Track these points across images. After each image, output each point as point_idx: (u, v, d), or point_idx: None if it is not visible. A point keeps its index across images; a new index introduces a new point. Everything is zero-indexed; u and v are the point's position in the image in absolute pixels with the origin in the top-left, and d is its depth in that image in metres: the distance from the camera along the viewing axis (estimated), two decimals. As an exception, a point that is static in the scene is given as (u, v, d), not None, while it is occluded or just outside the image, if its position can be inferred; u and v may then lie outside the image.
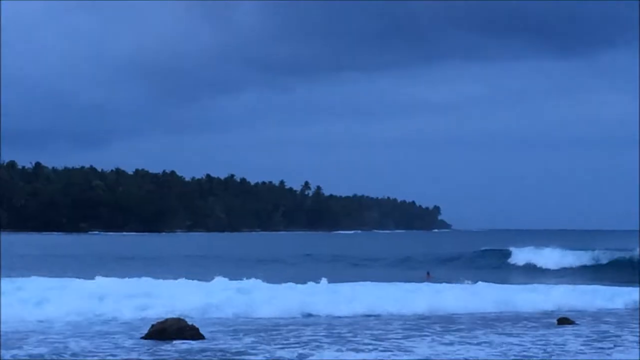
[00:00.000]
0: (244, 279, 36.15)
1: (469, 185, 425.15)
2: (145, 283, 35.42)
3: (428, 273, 60.43)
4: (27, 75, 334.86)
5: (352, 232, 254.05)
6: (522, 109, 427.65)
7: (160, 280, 36.31)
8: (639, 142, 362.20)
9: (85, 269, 50.33)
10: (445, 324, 26.99)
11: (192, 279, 36.81)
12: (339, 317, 29.18)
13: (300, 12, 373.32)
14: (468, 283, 40.25)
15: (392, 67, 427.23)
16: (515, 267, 63.02)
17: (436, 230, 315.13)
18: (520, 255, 65.06)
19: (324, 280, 36.92)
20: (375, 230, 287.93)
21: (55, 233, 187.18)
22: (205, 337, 22.65)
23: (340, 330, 24.92)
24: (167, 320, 23.06)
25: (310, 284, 36.57)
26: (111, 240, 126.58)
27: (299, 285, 36.04)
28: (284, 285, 35.98)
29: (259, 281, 35.98)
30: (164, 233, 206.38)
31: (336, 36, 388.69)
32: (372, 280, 40.38)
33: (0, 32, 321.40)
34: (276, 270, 58.15)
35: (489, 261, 66.78)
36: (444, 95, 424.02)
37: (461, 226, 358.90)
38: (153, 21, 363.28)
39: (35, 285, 33.09)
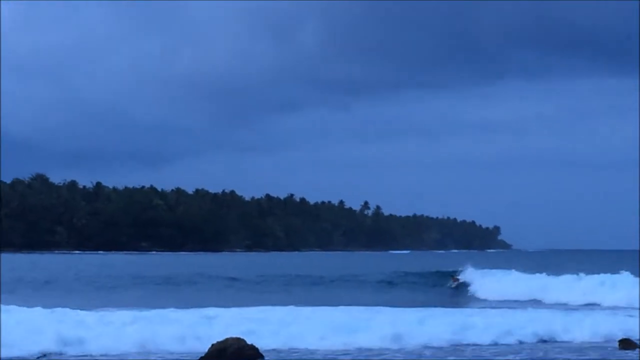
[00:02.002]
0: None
1: (529, 204, 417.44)
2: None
3: (452, 276, 56.02)
4: (88, 96, 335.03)
5: (407, 251, 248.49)
6: (583, 127, 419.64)
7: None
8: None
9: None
10: None
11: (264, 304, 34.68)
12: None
13: (361, 31, 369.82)
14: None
15: (452, 86, 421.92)
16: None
17: (493, 250, 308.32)
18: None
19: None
20: (435, 251, 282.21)
21: (117, 252, 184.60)
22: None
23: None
24: (227, 339, 22.08)
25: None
26: (176, 260, 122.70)
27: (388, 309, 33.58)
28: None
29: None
30: (223, 252, 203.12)
31: (396, 55, 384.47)
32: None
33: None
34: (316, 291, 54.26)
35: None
36: (504, 114, 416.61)
37: (521, 246, 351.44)
38: (214, 41, 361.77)
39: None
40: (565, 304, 44.63)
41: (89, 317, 29.73)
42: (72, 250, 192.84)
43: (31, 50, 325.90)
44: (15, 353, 22.80)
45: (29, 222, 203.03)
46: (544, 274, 55.15)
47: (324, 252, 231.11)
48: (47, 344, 23.69)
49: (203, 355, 21.90)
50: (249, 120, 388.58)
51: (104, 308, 34.93)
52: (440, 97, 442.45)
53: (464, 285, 54.79)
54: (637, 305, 40.21)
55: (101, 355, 23.29)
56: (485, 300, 49.61)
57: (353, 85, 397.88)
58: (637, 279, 48.10)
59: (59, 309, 31.88)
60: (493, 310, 37.57)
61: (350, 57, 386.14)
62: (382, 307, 36.36)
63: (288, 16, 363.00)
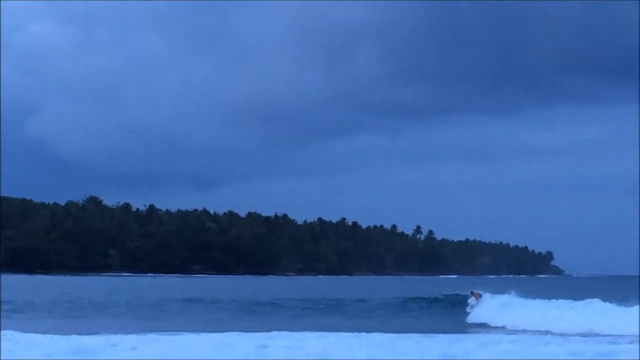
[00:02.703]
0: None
1: (583, 230, 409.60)
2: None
3: (472, 292, 52.73)
4: (142, 119, 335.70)
5: (454, 276, 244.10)
6: (637, 152, 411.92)
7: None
8: None
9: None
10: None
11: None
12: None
13: (414, 55, 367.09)
14: None
15: (505, 111, 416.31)
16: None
17: (544, 275, 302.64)
18: None
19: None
20: (486, 275, 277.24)
21: (169, 275, 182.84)
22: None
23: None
24: None
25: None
26: (227, 284, 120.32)
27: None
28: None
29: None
30: (276, 276, 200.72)
31: (449, 79, 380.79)
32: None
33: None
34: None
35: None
36: (557, 139, 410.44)
37: (575, 272, 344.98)
38: (266, 65, 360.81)
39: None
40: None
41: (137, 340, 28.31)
42: (124, 273, 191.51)
43: (85, 74, 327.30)
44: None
45: (82, 244, 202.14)
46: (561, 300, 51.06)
47: (375, 277, 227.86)
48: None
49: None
50: (302, 144, 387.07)
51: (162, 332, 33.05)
52: (493, 122, 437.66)
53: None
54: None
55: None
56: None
57: (406, 109, 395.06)
58: None
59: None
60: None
61: (403, 81, 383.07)
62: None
63: (340, 40, 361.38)
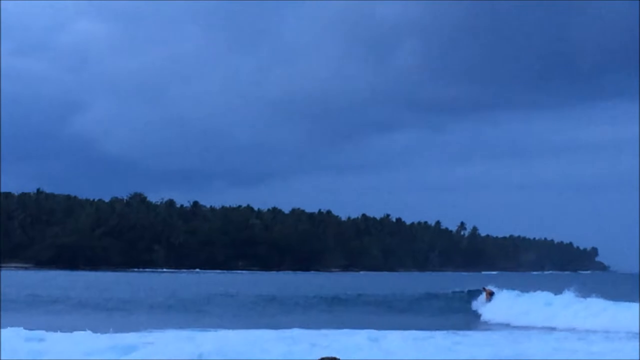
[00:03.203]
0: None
1: (628, 226, 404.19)
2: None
3: (485, 288, 50.16)
4: (186, 117, 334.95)
5: (495, 272, 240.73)
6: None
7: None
8: None
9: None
10: None
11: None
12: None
13: (458, 51, 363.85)
14: None
15: (550, 107, 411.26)
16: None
17: (587, 271, 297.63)
18: None
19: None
20: (530, 272, 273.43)
21: (213, 271, 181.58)
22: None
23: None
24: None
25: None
26: (272, 280, 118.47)
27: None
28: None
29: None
30: (319, 272, 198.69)
31: (494, 76, 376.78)
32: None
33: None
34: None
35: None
36: (602, 136, 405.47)
37: (620, 268, 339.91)
38: (310, 61, 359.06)
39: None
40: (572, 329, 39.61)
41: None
42: (169, 269, 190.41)
43: (129, 71, 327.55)
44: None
45: (126, 241, 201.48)
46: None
47: (420, 273, 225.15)
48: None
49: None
50: (345, 140, 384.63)
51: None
52: (536, 118, 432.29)
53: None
54: None
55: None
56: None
57: (450, 106, 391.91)
58: None
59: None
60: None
61: (447, 78, 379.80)
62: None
63: (384, 37, 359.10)
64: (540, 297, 49.36)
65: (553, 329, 40.94)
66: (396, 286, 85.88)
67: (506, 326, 43.02)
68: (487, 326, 43.44)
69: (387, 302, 59.59)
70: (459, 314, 50.40)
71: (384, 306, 57.38)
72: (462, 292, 58.84)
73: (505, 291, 51.88)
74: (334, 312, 53.00)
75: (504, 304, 49.03)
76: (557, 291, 49.57)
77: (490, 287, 50.73)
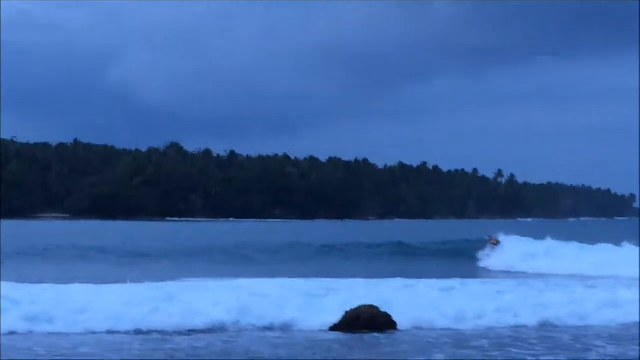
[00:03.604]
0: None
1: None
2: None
3: (491, 237, 47.71)
4: (222, 64, 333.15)
5: (529, 219, 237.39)
6: None
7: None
8: None
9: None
10: None
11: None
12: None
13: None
14: None
15: (588, 52, 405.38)
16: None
17: (624, 218, 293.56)
18: None
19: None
20: (568, 219, 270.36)
21: (250, 220, 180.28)
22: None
23: None
24: (360, 307, 21.14)
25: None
26: (310, 228, 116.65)
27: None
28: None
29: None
30: (357, 220, 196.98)
31: (530, 21, 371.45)
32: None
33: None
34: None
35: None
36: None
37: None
38: (347, 9, 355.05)
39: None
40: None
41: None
42: (206, 218, 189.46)
43: (166, 20, 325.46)
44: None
45: (163, 190, 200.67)
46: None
47: (457, 220, 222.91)
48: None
49: (336, 322, 20.67)
50: (382, 89, 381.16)
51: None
52: (575, 64, 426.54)
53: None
54: None
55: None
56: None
57: (487, 53, 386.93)
58: None
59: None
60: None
61: (484, 24, 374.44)
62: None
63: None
64: (549, 245, 47.37)
65: (554, 275, 39.17)
66: (405, 234, 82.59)
67: (507, 273, 41.31)
68: (487, 273, 41.61)
69: (381, 251, 57.52)
70: (457, 261, 48.30)
71: (373, 254, 55.33)
72: (472, 240, 56.22)
73: (515, 238, 50.25)
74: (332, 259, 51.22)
75: (508, 252, 46.68)
76: (588, 239, 47.54)
77: (496, 236, 48.25)
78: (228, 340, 19.00)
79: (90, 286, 24.89)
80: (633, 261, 39.62)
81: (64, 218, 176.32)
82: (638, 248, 43.43)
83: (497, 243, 46.91)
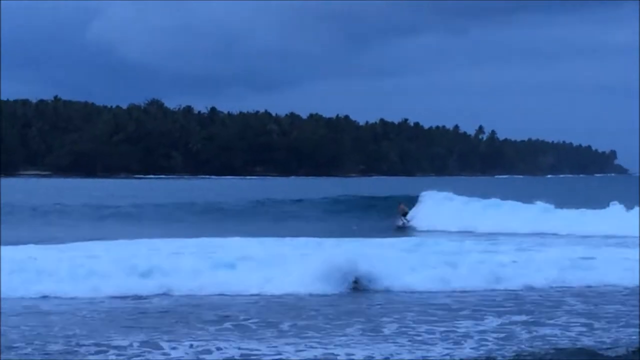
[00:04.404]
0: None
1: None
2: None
3: (400, 205, 46.80)
4: (204, 22, 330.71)
5: (506, 176, 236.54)
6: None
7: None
8: None
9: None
10: None
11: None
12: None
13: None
14: None
15: (570, 9, 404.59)
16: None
17: (601, 174, 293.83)
18: None
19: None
20: (547, 176, 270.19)
21: (231, 177, 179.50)
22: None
23: None
24: None
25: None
26: (288, 184, 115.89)
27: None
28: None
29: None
30: (337, 177, 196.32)
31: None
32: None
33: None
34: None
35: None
36: (622, 38, 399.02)
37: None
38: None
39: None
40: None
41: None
42: (187, 175, 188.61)
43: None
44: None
45: (144, 148, 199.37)
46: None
47: (438, 177, 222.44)
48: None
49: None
50: (364, 44, 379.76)
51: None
52: (557, 21, 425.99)
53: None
54: None
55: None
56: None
57: (470, 9, 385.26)
58: None
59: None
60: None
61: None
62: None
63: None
64: (489, 204, 48.19)
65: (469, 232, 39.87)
66: (349, 189, 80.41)
67: (425, 232, 41.24)
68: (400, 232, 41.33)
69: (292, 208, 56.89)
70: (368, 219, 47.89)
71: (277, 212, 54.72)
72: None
73: (456, 197, 50.28)
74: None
75: (435, 210, 47.15)
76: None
77: (404, 205, 47.18)
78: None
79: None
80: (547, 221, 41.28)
81: (45, 175, 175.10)
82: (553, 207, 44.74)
83: (405, 213, 45.96)
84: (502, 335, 15.05)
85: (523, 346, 14.08)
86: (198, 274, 20.99)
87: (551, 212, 44.72)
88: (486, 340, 14.62)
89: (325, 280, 20.21)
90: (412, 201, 49.78)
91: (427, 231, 41.62)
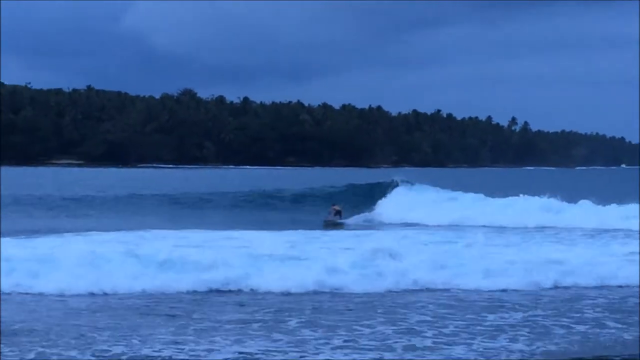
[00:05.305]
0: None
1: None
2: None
3: (333, 205, 43.69)
4: (237, 12, 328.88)
5: (531, 167, 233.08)
6: None
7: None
8: None
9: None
10: None
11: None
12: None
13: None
14: None
15: (602, 0, 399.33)
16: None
17: (632, 167, 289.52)
18: None
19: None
20: (580, 167, 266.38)
21: (263, 167, 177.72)
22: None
23: None
24: None
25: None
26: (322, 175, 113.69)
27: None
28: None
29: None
30: (370, 168, 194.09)
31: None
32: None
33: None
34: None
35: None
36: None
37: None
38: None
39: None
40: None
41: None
42: (220, 165, 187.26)
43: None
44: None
45: (177, 137, 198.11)
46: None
47: (469, 169, 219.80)
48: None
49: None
50: (397, 35, 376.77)
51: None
52: (592, 12, 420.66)
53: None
54: None
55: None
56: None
57: (502, 0, 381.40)
58: None
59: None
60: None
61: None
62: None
63: None
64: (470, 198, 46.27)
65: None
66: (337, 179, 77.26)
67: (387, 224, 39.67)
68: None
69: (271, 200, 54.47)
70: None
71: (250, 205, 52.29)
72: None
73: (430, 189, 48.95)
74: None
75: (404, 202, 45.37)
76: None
77: (338, 205, 44.51)
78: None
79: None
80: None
81: (78, 165, 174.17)
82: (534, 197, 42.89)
83: (338, 213, 43.19)
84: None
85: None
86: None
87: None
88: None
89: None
90: (383, 193, 47.77)
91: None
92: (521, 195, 43.87)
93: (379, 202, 46.03)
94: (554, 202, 41.87)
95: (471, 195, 46.47)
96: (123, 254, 20.37)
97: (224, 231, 29.70)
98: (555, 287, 19.91)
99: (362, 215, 42.92)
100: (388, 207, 44.48)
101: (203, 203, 52.17)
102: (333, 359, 12.67)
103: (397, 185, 49.34)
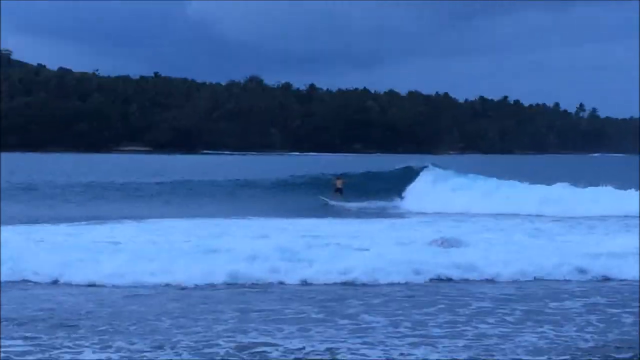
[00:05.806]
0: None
1: None
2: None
3: (336, 177, 40.98)
4: None
5: (596, 154, 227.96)
6: None
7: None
8: None
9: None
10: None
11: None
12: None
13: None
14: None
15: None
16: None
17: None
18: None
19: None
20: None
21: (329, 154, 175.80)
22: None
23: None
24: None
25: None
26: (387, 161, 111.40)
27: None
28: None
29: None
30: (437, 155, 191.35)
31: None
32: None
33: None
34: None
35: None
36: None
37: None
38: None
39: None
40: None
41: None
42: (286, 152, 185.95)
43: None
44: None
45: (243, 124, 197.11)
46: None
47: (535, 155, 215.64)
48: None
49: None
50: (464, 22, 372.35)
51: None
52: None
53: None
54: None
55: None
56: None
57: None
58: None
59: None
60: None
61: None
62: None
63: None
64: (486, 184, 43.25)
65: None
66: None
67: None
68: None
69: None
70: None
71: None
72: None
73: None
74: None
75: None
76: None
77: (342, 177, 41.65)
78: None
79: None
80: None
81: (145, 151, 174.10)
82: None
83: (338, 190, 40.52)
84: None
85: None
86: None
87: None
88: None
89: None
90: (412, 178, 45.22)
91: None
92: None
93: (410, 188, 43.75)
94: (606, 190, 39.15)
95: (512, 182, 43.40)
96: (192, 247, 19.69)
97: (287, 219, 29.08)
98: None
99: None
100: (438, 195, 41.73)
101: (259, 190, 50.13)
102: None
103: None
